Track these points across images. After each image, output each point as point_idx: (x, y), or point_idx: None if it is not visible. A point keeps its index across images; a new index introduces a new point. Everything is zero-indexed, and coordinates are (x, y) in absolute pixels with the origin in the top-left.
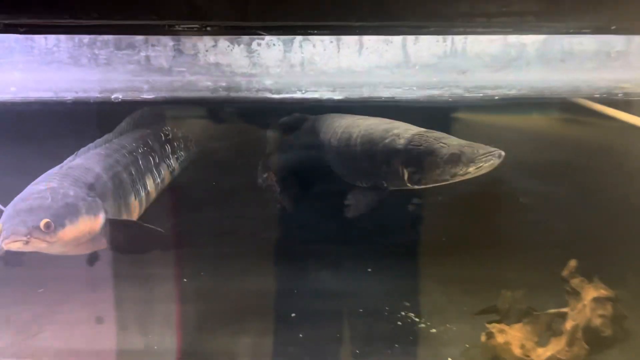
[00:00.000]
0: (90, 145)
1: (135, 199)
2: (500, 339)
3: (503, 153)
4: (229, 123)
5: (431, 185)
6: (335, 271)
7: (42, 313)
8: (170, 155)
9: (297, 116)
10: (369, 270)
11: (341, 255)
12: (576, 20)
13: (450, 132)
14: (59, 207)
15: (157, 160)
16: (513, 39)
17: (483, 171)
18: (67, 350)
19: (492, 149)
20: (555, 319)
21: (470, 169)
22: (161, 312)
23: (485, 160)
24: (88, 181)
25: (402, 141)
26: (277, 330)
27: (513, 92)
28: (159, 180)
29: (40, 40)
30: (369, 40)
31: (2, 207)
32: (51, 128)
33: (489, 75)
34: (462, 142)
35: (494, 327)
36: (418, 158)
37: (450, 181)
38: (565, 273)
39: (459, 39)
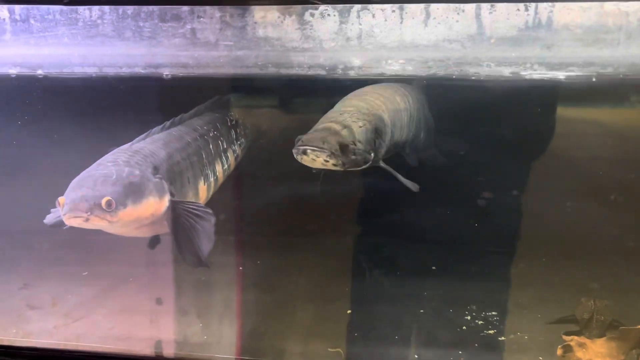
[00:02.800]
0: (166, 123)
1: (204, 183)
2: (579, 353)
3: (317, 154)
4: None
5: None
6: (396, 267)
7: (90, 297)
8: (235, 141)
9: None
10: (433, 268)
11: (403, 250)
12: None
13: (525, 118)
14: (123, 186)
15: (225, 146)
16: (611, 6)
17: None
18: (111, 336)
19: (311, 145)
20: None
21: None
22: (215, 300)
23: (295, 152)
24: (156, 162)
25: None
26: (331, 328)
27: (609, 70)
28: (226, 165)
29: (85, 12)
30: (437, 8)
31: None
32: (98, 105)
33: (579, 50)
34: (320, 127)
35: (572, 340)
36: None
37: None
38: None
39: (544, 6)
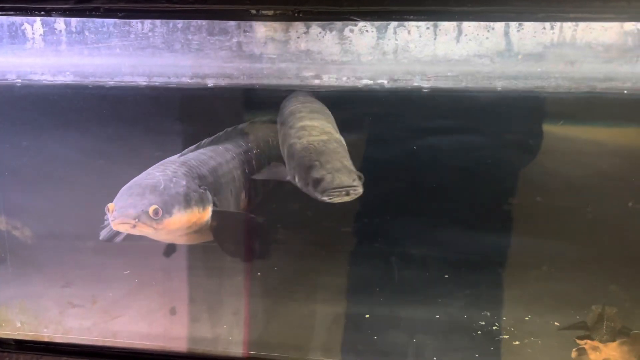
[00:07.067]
0: (221, 134)
1: (246, 196)
2: (593, 356)
3: (357, 191)
4: None
5: None
6: (411, 274)
7: (130, 295)
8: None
9: None
10: (446, 276)
11: (418, 258)
12: None
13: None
14: (170, 195)
15: (268, 163)
16: (630, 26)
17: (336, 201)
18: (146, 334)
19: (350, 185)
20: None
21: (324, 198)
22: (234, 305)
23: (335, 195)
24: (202, 173)
25: (297, 147)
26: (351, 331)
27: (627, 85)
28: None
29: (137, 25)
30: (469, 26)
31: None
32: (143, 112)
33: (600, 66)
34: (338, 166)
35: (586, 344)
36: (299, 169)
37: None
38: None
39: (568, 26)
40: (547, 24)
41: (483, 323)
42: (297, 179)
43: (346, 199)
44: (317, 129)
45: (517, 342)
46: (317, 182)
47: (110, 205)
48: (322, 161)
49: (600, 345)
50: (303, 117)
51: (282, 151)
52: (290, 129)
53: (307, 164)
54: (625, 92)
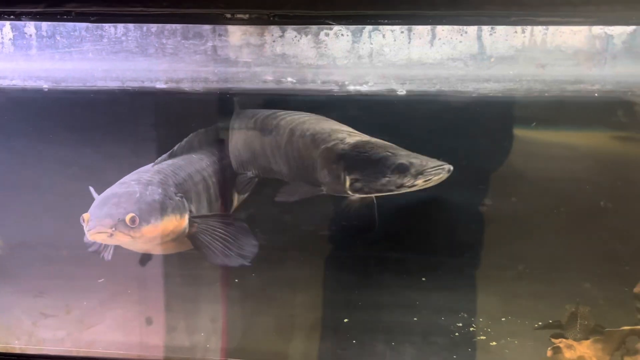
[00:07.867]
0: (191, 138)
1: (222, 205)
2: (568, 354)
3: (451, 167)
4: None
5: (373, 195)
6: (387, 278)
7: (104, 304)
8: None
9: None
10: (423, 279)
11: (394, 262)
12: None
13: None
14: (147, 203)
15: None
16: (598, 30)
17: (431, 184)
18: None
19: (440, 162)
20: (629, 337)
21: (418, 181)
22: (211, 313)
23: (435, 173)
24: (178, 181)
25: (345, 146)
26: (330, 335)
27: (596, 87)
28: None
29: (110, 29)
30: (442, 30)
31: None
32: (117, 117)
33: (570, 69)
34: (410, 153)
35: (561, 342)
36: (363, 165)
37: (394, 192)
38: (637, 290)
39: (538, 29)
40: (519, 28)
41: (460, 324)
42: (349, 182)
43: (444, 177)
44: (347, 130)
45: (494, 343)
46: (405, 167)
47: (86, 216)
48: (392, 151)
49: (575, 343)
50: (315, 121)
51: (278, 160)
52: (315, 135)
53: (375, 157)
54: (596, 94)
